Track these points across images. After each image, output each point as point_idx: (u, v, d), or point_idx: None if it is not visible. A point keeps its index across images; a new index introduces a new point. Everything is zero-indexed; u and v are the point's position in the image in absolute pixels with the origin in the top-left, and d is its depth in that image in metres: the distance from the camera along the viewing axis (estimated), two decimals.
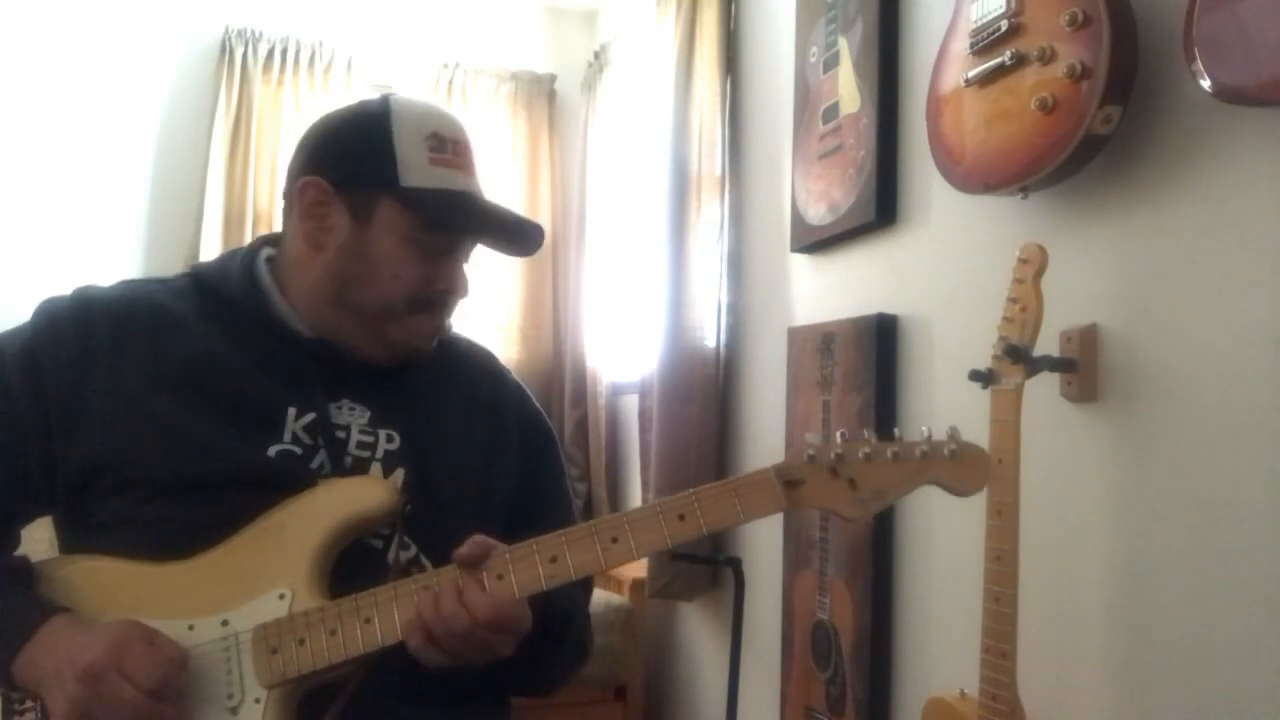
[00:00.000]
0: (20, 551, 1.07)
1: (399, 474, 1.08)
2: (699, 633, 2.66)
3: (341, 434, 1.08)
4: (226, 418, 1.04)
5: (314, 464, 1.06)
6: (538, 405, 1.29)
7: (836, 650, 1.86)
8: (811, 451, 0.95)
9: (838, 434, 0.97)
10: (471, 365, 1.25)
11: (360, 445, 1.09)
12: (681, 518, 0.95)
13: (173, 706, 0.91)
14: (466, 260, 1.17)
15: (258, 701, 0.94)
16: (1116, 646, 1.27)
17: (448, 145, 1.11)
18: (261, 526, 1.01)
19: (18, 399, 1.03)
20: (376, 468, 1.08)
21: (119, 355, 1.05)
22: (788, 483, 0.95)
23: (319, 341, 1.12)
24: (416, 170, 1.09)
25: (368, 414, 1.11)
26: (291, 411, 1.07)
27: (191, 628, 0.97)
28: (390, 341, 1.12)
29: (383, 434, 1.10)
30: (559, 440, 1.31)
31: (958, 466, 0.96)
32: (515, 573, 0.95)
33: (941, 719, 1.38)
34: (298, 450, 1.06)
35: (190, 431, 1.03)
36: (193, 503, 1.01)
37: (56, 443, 1.03)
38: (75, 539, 1.06)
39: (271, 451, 1.05)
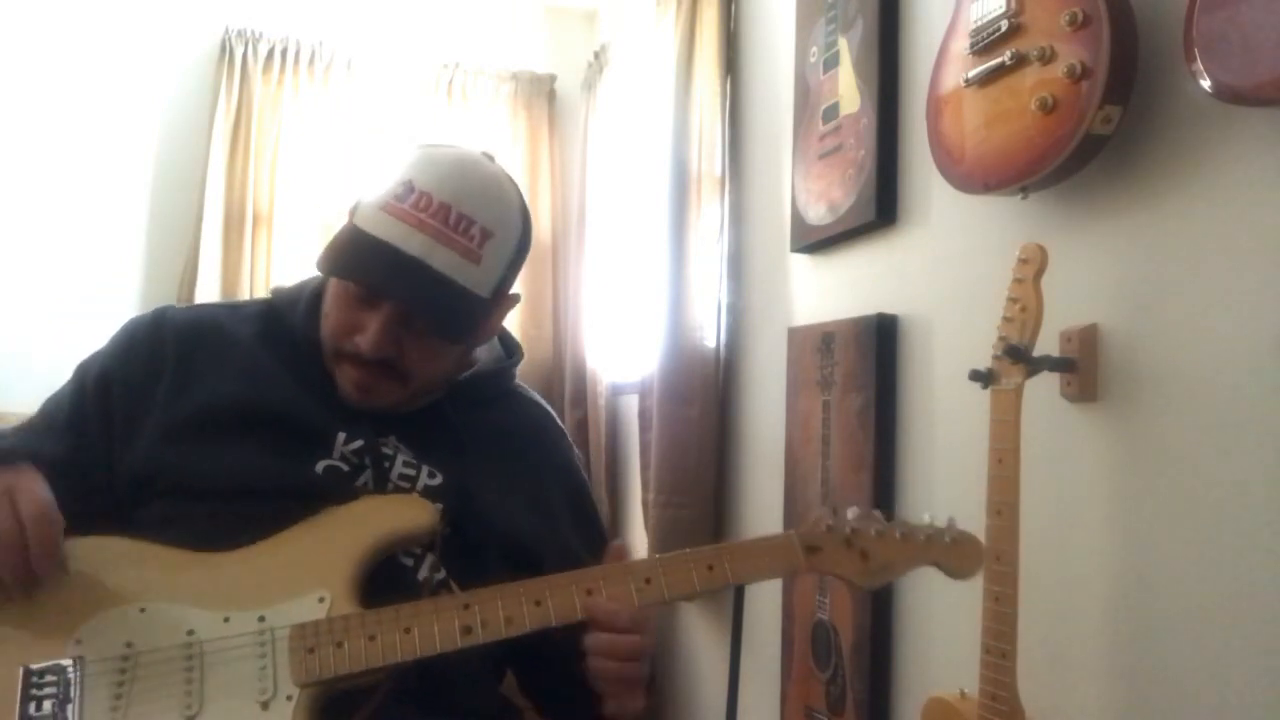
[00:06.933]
0: None
1: (438, 506, 1.10)
2: (699, 633, 2.66)
3: (387, 463, 1.12)
4: (277, 435, 1.09)
5: (359, 481, 1.10)
6: (585, 478, 1.32)
7: (836, 650, 1.86)
8: (830, 522, 1.08)
9: (848, 511, 1.09)
10: (526, 431, 1.27)
11: (403, 477, 1.12)
12: (710, 568, 1.05)
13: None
14: (406, 322, 1.08)
15: (289, 699, 0.96)
16: (1116, 647, 1.27)
17: (412, 195, 1.05)
18: (304, 529, 1.04)
19: (92, 423, 1.11)
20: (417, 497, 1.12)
21: (183, 373, 1.12)
22: (808, 548, 1.07)
23: None
24: (367, 210, 1.09)
25: (412, 452, 1.14)
26: (341, 436, 1.11)
27: (227, 620, 0.99)
28: (339, 384, 1.14)
29: (425, 469, 1.14)
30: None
31: (955, 551, 1.11)
32: (552, 599, 1.00)
33: (941, 719, 1.38)
34: (344, 467, 1.10)
35: (240, 446, 1.07)
36: (238, 508, 1.05)
37: (116, 457, 1.09)
38: (112, 528, 1.08)
39: (319, 467, 1.09)
